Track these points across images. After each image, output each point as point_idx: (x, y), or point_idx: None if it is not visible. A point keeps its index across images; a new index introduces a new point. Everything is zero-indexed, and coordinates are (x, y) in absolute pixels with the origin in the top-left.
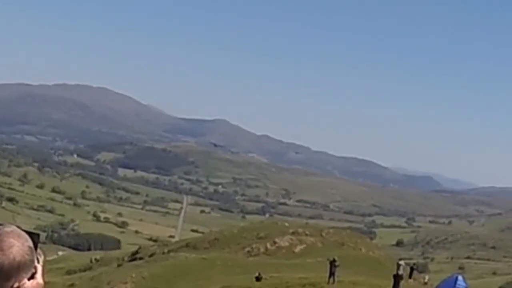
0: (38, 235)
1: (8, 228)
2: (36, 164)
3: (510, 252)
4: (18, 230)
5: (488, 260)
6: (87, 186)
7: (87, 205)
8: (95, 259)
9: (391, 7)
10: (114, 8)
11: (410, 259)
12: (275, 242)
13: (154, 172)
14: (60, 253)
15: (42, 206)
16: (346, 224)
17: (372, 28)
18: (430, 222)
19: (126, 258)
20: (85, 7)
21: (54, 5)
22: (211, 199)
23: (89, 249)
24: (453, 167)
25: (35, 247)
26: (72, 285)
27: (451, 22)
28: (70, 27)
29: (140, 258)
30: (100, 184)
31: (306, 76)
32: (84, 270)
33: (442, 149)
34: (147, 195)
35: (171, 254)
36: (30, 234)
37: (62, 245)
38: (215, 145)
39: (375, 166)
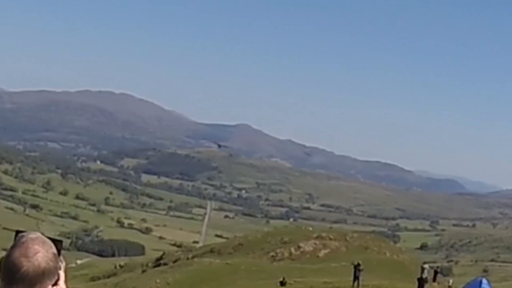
0: (61, 242)
1: (33, 235)
2: (59, 171)
3: None
4: (43, 237)
5: None
6: (110, 193)
7: (111, 212)
8: (120, 265)
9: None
10: (136, 16)
11: (434, 262)
12: (299, 247)
13: (177, 178)
14: (78, 261)
15: (66, 213)
16: (370, 228)
17: (391, 31)
18: (454, 225)
19: (150, 264)
20: (108, 14)
21: (76, 12)
22: (235, 204)
23: (113, 255)
24: (477, 169)
25: (58, 253)
26: None
27: (464, 23)
28: (93, 34)
29: (165, 264)
30: (124, 190)
31: (328, 80)
32: (109, 277)
33: (465, 152)
34: (171, 201)
35: (195, 259)
36: (53, 240)
37: (86, 251)
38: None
39: (399, 169)
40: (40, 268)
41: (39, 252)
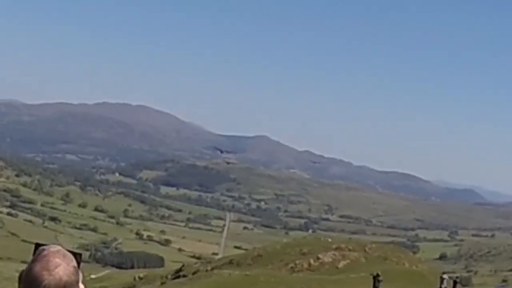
0: (80, 254)
1: (54, 248)
2: (78, 183)
3: None
4: (64, 250)
5: None
6: (129, 205)
7: (130, 224)
8: (139, 277)
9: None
10: (153, 28)
11: (454, 272)
12: (318, 258)
13: (196, 190)
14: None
15: (84, 225)
16: (389, 239)
17: (410, 43)
18: (473, 235)
19: (169, 276)
20: (125, 27)
21: (94, 25)
22: (253, 215)
23: (132, 267)
24: (494, 179)
25: (78, 266)
26: None
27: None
28: (109, 47)
29: (184, 276)
30: (143, 202)
31: (346, 91)
32: None
33: (483, 161)
34: (189, 213)
35: (215, 271)
36: (73, 253)
37: (105, 263)
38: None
39: (417, 179)
40: (62, 281)
41: (60, 266)
